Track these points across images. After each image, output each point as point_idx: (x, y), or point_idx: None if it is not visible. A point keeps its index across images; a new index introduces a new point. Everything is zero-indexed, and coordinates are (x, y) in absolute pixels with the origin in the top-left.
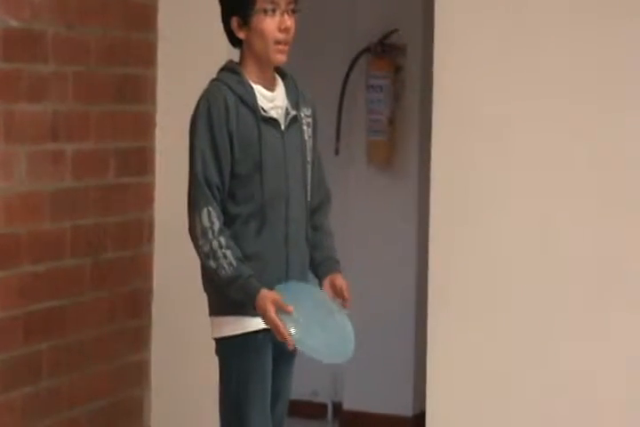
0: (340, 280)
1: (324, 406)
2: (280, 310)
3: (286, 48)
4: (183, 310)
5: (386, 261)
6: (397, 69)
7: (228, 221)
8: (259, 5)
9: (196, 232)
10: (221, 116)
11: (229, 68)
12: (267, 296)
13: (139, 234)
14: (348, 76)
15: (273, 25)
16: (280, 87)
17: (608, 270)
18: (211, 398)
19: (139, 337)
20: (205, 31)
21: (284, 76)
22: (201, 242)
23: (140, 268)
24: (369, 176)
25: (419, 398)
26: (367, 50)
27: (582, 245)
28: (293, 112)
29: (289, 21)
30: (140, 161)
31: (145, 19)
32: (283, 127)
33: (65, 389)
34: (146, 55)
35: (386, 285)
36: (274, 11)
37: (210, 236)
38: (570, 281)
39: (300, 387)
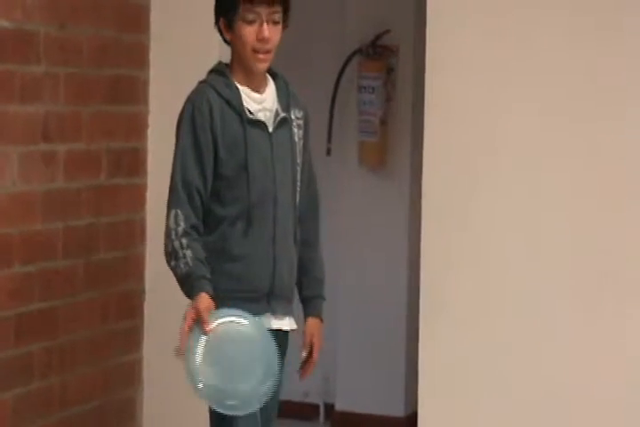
0: (312, 328)
1: (315, 407)
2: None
3: (266, 56)
4: (175, 311)
5: (377, 262)
6: (389, 70)
7: (216, 222)
8: (241, 13)
9: (164, 233)
10: (205, 118)
11: (217, 71)
12: (202, 302)
13: (131, 235)
14: (339, 77)
15: (252, 34)
16: (270, 89)
17: (605, 273)
18: (202, 400)
19: (131, 338)
20: (198, 32)
21: (275, 77)
22: (165, 242)
23: (132, 269)
24: (361, 177)
25: (411, 398)
26: (359, 51)
27: (578, 248)
28: (283, 114)
29: (267, 31)
30: (133, 162)
31: (137, 19)
32: (270, 129)
33: (57, 390)
34: (138, 56)
35: (377, 286)
36: (254, 20)
37: (172, 236)
38: (565, 284)
39: (292, 388)
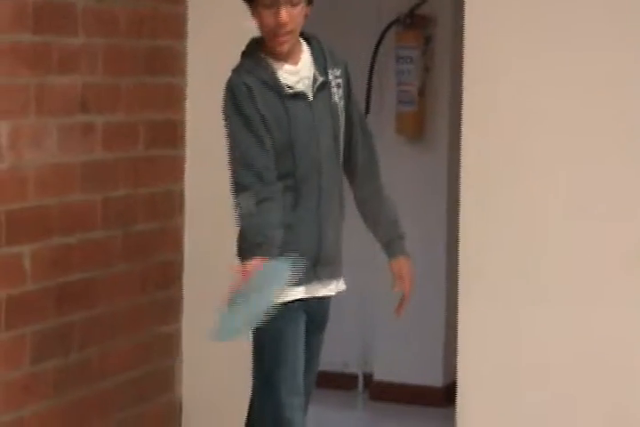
0: (398, 268)
1: (354, 378)
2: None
3: (286, 38)
4: (214, 282)
5: (416, 232)
6: (427, 40)
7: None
8: None
9: (238, 218)
10: (248, 100)
11: (249, 53)
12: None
13: (169, 206)
14: (377, 47)
15: (270, 18)
16: (305, 55)
17: None
18: (242, 369)
19: (169, 309)
20: (234, 3)
21: (309, 42)
22: (242, 226)
23: (170, 239)
24: (398, 147)
25: (449, 368)
26: (396, 21)
27: (619, 218)
28: (321, 78)
29: (284, 15)
30: (170, 133)
31: None
32: (311, 97)
33: (96, 360)
34: (175, 27)
35: (416, 256)
36: (272, 4)
37: (248, 218)
38: (607, 251)
39: (331, 358)
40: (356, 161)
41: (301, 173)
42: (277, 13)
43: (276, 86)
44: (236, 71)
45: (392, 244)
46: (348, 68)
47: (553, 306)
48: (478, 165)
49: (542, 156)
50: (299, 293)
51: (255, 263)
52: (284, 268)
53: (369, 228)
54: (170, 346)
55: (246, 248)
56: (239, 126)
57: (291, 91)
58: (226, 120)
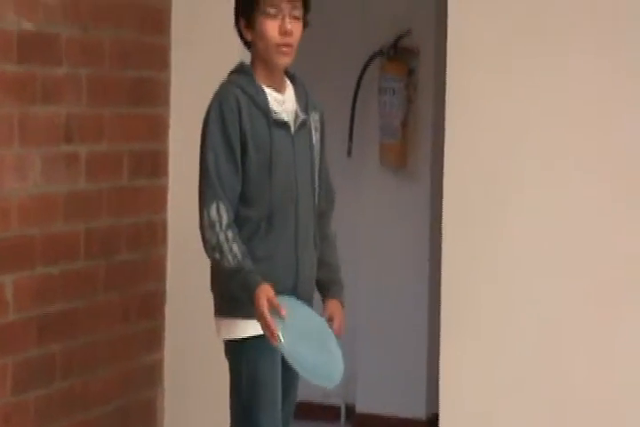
0: (332, 310)
1: (336, 409)
2: (273, 310)
3: (289, 50)
4: (196, 312)
5: (398, 263)
6: (410, 72)
7: (240, 222)
8: (262, 8)
9: (204, 226)
10: (234, 115)
11: (240, 70)
12: (265, 290)
13: (152, 236)
14: (360, 78)
15: (274, 28)
16: (290, 90)
17: (630, 282)
18: (224, 400)
19: (152, 339)
20: (218, 34)
21: (292, 80)
22: (208, 235)
23: (153, 269)
24: (382, 178)
25: (432, 400)
26: (380, 52)
27: (601, 254)
28: (303, 116)
29: (289, 25)
30: (154, 163)
31: (158, 22)
32: (292, 131)
33: (78, 390)
34: (159, 58)
35: (398, 287)
36: (276, 15)
37: (217, 229)
38: (587, 290)
39: (312, 389)
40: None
41: (277, 201)
42: (282, 22)
43: (264, 108)
44: (226, 84)
45: (332, 286)
46: (324, 116)
47: (536, 344)
48: (460, 195)
49: (523, 186)
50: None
51: (265, 291)
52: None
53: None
54: (152, 376)
55: (240, 283)
56: (219, 141)
57: (277, 117)
58: (206, 129)
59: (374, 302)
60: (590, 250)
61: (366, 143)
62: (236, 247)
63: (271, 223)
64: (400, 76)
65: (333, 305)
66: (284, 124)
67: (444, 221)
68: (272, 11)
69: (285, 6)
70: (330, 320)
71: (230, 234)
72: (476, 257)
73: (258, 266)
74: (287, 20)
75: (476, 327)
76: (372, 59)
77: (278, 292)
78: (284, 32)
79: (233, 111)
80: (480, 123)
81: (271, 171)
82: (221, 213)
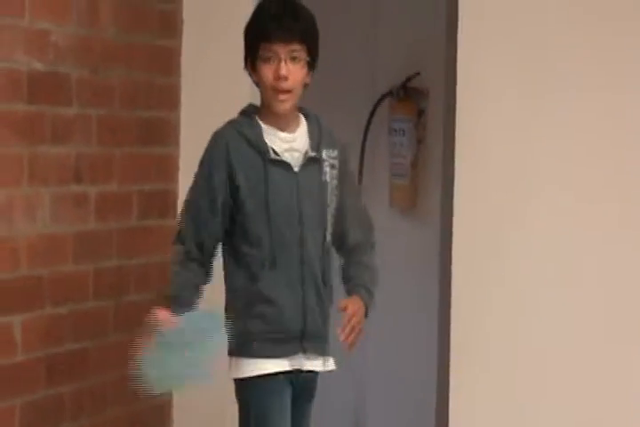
0: (345, 302)
1: None
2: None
3: (287, 97)
4: None
5: (408, 304)
6: (420, 113)
7: (246, 262)
8: (260, 53)
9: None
10: (221, 159)
11: (245, 111)
12: (166, 314)
13: (161, 277)
14: (370, 119)
15: (270, 73)
16: (302, 129)
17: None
18: None
19: None
20: (228, 75)
21: (307, 117)
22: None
23: None
24: (391, 219)
25: None
26: (389, 93)
27: (611, 284)
28: (312, 153)
29: (284, 69)
30: (163, 204)
31: (168, 62)
32: (296, 169)
33: None
34: (169, 98)
35: (407, 331)
36: (271, 59)
37: (172, 264)
38: (599, 323)
39: None
40: (347, 244)
41: (277, 240)
42: (277, 67)
43: (259, 148)
44: (226, 125)
45: (355, 287)
46: (346, 152)
47: (548, 390)
48: (470, 237)
49: (533, 228)
50: (282, 365)
51: (164, 313)
52: (210, 322)
53: (345, 283)
54: (161, 417)
55: (163, 297)
56: (202, 180)
57: (274, 157)
58: (199, 165)
59: (382, 349)
60: (602, 283)
61: (376, 184)
62: (177, 280)
63: (273, 264)
64: (410, 116)
65: (351, 298)
66: (283, 163)
67: (453, 261)
68: (267, 55)
69: (281, 50)
70: (344, 310)
71: (178, 268)
72: (486, 298)
73: (265, 307)
74: (282, 64)
75: (487, 368)
76: (381, 99)
77: (286, 332)
78: (277, 77)
79: (220, 150)
80: (490, 163)
81: (269, 210)
82: (179, 250)
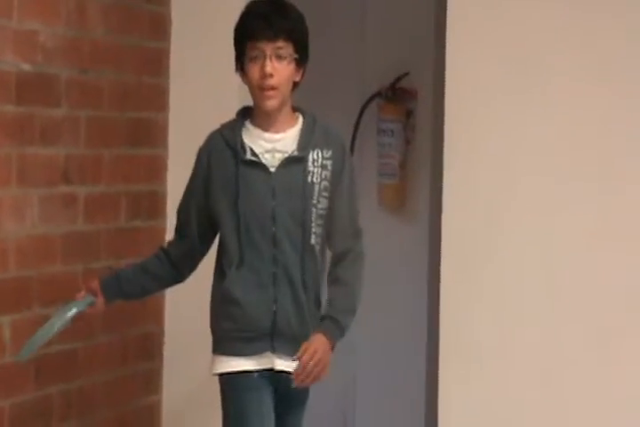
0: (310, 340)
1: None
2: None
3: (272, 93)
4: (194, 354)
5: (396, 304)
6: (409, 113)
7: (221, 265)
8: (247, 52)
9: None
10: (201, 165)
11: (237, 113)
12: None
13: None
14: (359, 120)
15: (256, 71)
16: (295, 129)
17: (629, 314)
18: None
19: (150, 381)
20: (216, 76)
21: (304, 117)
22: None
23: (151, 311)
24: (380, 219)
25: None
26: (378, 94)
27: (599, 287)
28: (296, 153)
29: (268, 67)
30: (152, 205)
31: (157, 63)
32: (272, 170)
33: None
34: (158, 100)
35: (396, 328)
36: (258, 57)
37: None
38: (586, 325)
39: None
40: (332, 250)
41: (248, 239)
42: (262, 64)
43: (234, 148)
44: (215, 129)
45: (323, 320)
46: (344, 152)
47: (536, 383)
48: (459, 237)
49: (523, 228)
50: (251, 363)
51: (94, 283)
52: (71, 306)
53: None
54: (151, 418)
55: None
56: (189, 180)
57: (247, 157)
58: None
59: (372, 344)
60: (591, 290)
61: (365, 184)
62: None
63: (241, 263)
64: (398, 117)
65: (314, 337)
66: (259, 164)
67: (442, 261)
68: (254, 53)
69: (267, 47)
70: (297, 359)
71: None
72: (475, 300)
73: (232, 307)
74: (267, 61)
75: (475, 370)
76: (370, 100)
77: (254, 331)
78: (262, 75)
79: (202, 161)
80: (478, 164)
81: (238, 210)
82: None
